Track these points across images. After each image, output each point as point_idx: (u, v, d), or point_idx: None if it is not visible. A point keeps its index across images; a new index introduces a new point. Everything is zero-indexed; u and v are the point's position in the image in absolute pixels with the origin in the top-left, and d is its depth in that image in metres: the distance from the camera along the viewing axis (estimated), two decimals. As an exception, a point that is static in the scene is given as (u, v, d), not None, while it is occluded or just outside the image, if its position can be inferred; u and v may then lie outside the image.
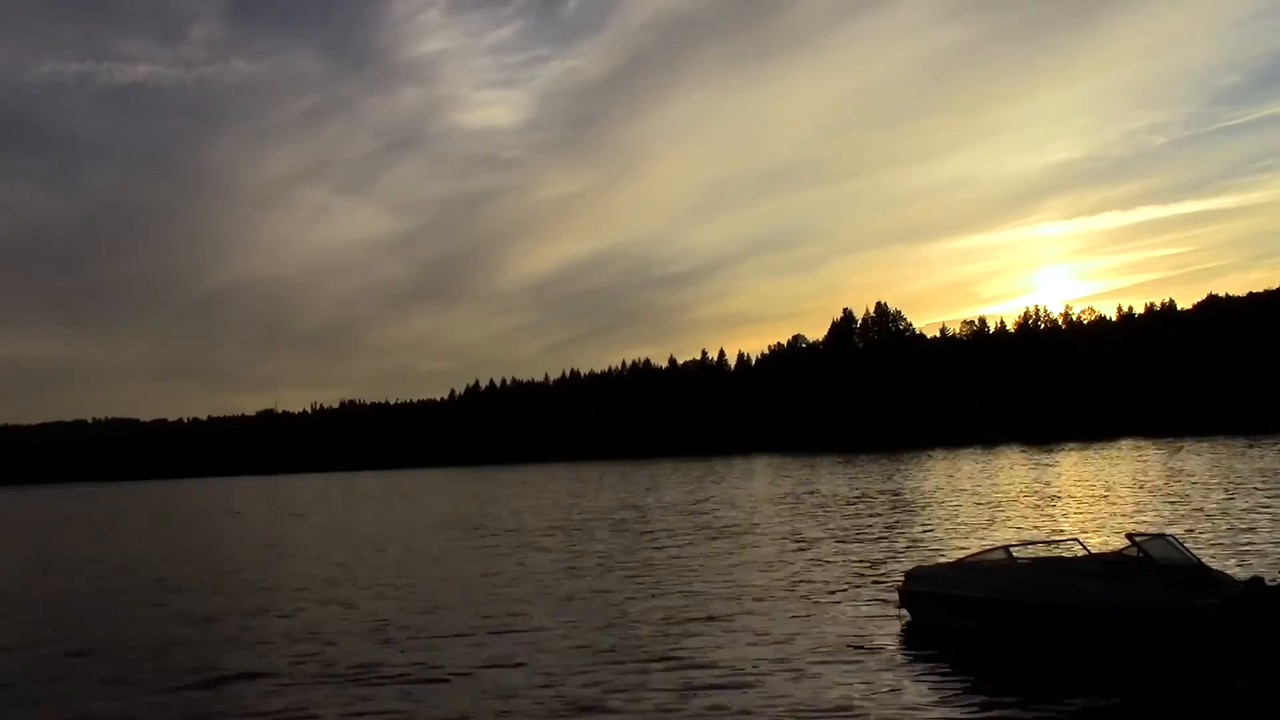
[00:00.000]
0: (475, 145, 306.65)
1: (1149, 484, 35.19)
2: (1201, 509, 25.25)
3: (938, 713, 9.17)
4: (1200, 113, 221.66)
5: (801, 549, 21.89)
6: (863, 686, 10.11)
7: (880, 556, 19.91)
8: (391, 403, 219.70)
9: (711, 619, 14.15)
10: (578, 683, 10.89)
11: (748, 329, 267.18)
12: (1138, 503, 28.38)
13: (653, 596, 16.47)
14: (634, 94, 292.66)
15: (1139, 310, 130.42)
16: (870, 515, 29.32)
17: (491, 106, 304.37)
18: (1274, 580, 9.45)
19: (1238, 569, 14.42)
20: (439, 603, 17.12)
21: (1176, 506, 26.38)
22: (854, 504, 34.03)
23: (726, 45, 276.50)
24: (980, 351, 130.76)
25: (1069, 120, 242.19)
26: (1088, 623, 10.36)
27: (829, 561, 19.56)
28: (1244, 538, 19.40)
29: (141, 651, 13.91)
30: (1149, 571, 10.27)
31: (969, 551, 16.28)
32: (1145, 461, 50.53)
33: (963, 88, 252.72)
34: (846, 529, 25.75)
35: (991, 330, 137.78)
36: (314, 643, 13.92)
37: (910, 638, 12.29)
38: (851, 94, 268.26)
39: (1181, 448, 62.91)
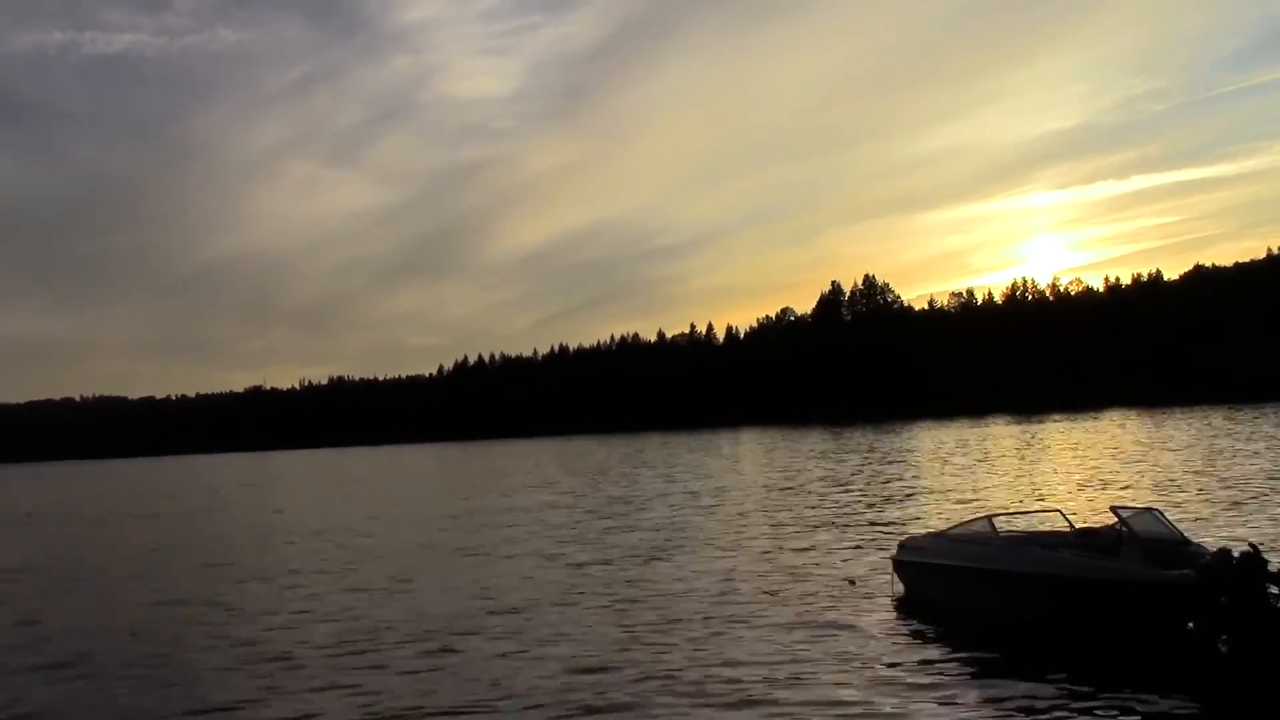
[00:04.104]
0: (465, 115, 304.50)
1: (1133, 455, 35.45)
2: (1184, 479, 25.46)
3: (918, 679, 9.26)
4: (1200, 79, 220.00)
5: (794, 523, 21.94)
6: (846, 659, 10.17)
7: (872, 528, 20.02)
8: (380, 379, 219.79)
9: (708, 589, 14.22)
10: (567, 651, 10.96)
11: (739, 301, 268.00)
12: (1120, 474, 28.57)
13: (643, 567, 16.54)
14: (626, 63, 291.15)
15: (1126, 281, 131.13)
16: (861, 488, 29.46)
17: (482, 75, 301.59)
18: (1240, 552, 9.53)
19: (1222, 540, 14.53)
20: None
21: (1159, 477, 26.59)
22: (845, 477, 34.18)
23: (719, 13, 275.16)
24: (968, 323, 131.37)
25: (1066, 87, 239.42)
26: (1063, 593, 10.45)
27: (823, 535, 19.62)
28: (1228, 507, 19.57)
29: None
30: (1128, 544, 10.37)
31: (954, 521, 16.37)
32: (1131, 432, 50.90)
33: (957, 55, 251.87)
34: (838, 502, 25.85)
35: (979, 302, 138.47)
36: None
37: (900, 608, 12.39)
38: (844, 62, 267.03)
39: (1167, 418, 63.38)
